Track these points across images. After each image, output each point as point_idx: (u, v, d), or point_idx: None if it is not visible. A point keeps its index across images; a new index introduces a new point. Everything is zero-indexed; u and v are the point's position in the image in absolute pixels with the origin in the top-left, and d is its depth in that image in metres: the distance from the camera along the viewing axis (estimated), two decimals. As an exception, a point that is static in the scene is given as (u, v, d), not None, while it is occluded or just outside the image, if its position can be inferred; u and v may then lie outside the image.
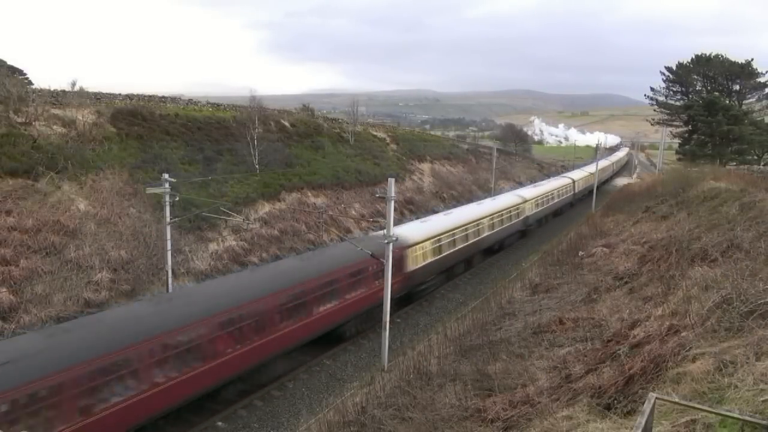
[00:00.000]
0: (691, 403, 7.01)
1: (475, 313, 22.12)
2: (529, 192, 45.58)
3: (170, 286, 22.54)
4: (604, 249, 26.25)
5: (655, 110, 79.56)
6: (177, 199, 23.22)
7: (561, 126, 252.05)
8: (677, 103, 74.73)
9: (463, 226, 31.23)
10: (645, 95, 78.69)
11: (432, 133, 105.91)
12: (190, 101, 46.84)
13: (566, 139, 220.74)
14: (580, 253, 27.70)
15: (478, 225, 33.00)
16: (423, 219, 32.46)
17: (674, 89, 76.10)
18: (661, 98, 76.90)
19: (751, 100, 71.99)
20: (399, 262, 23.66)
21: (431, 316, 25.72)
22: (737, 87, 70.96)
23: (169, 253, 22.59)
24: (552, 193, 50.11)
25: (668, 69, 74.72)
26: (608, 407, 9.46)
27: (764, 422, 6.26)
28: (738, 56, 69.68)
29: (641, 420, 5.93)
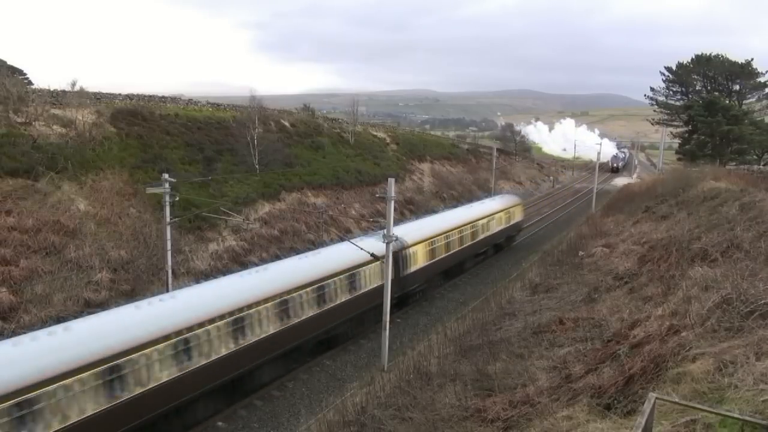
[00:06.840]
0: (691, 403, 7.02)
1: (475, 313, 22.13)
2: (329, 263, 21.13)
3: (170, 285, 22.54)
4: (604, 249, 26.24)
5: (655, 110, 79.60)
6: (177, 199, 23.25)
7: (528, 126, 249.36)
8: (677, 103, 74.77)
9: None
10: (645, 95, 78.84)
11: (432, 133, 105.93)
12: (190, 101, 46.82)
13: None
14: (580, 253, 27.69)
15: (223, 330, 16.11)
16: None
17: (674, 89, 76.11)
18: (661, 98, 76.96)
19: (751, 100, 71.95)
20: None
21: (431, 316, 25.71)
22: (737, 87, 70.95)
23: (169, 253, 22.58)
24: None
25: (668, 69, 74.70)
26: (608, 407, 9.45)
27: (764, 422, 6.26)
28: (728, 56, 69.35)
29: (641, 420, 5.93)
